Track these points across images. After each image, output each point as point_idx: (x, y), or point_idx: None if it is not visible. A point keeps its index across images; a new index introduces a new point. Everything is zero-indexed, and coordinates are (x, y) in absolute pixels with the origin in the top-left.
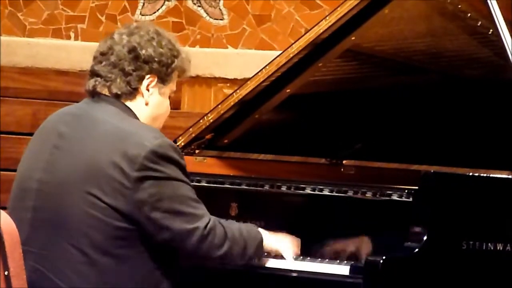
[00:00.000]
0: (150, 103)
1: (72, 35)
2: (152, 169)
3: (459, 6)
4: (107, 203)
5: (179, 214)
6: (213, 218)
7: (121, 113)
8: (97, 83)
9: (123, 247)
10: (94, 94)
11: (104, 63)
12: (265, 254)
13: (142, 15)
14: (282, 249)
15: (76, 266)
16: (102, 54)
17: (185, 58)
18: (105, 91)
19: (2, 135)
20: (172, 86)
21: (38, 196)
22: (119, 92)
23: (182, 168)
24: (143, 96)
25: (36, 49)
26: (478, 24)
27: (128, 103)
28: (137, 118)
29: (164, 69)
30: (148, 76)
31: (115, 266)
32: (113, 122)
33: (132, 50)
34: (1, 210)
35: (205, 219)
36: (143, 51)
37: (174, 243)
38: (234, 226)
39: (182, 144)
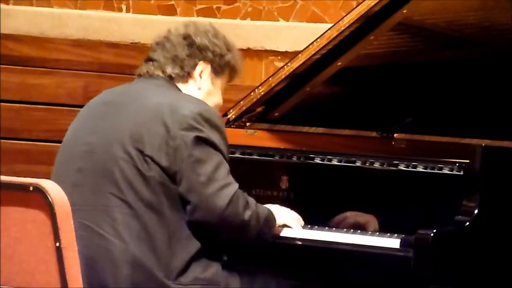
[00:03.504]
0: (203, 88)
1: (124, 7)
2: (197, 129)
3: None
4: (151, 158)
5: (212, 179)
6: (238, 187)
7: (169, 87)
8: (150, 66)
9: (167, 206)
10: (145, 75)
11: (159, 50)
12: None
13: None
14: (291, 223)
15: (122, 217)
16: (158, 43)
17: (238, 56)
18: (159, 73)
19: (53, 107)
20: (224, 80)
21: (85, 158)
22: (172, 74)
23: (223, 135)
24: (195, 81)
25: (87, 22)
26: None
27: (179, 85)
28: None
29: (217, 59)
30: (201, 62)
31: (157, 223)
32: (161, 92)
33: (187, 37)
34: (53, 182)
35: (233, 186)
36: (198, 39)
37: (200, 207)
38: (254, 201)
39: (233, 117)
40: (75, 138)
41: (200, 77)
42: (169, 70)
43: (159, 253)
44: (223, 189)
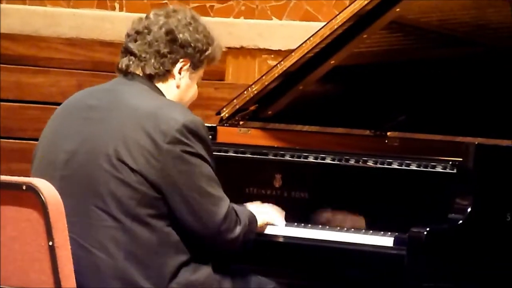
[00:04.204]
0: (181, 86)
1: (117, 6)
2: (183, 143)
3: None
4: (136, 170)
5: (206, 195)
6: (229, 201)
7: (151, 91)
8: (131, 62)
9: (153, 216)
10: (126, 73)
11: (139, 42)
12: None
13: None
14: (275, 221)
15: (107, 231)
16: (138, 32)
17: (217, 47)
18: (138, 71)
19: (46, 106)
20: (201, 73)
21: (67, 166)
22: (152, 73)
23: (209, 148)
24: (174, 79)
25: (81, 20)
26: None
27: (159, 84)
28: None
29: (198, 55)
30: (181, 59)
31: (144, 234)
32: (145, 97)
33: (170, 32)
34: (45, 181)
35: (226, 202)
36: (180, 35)
37: (195, 223)
38: (242, 210)
39: (227, 115)
40: (55, 143)
41: (180, 73)
42: (149, 69)
43: (149, 264)
44: (217, 205)
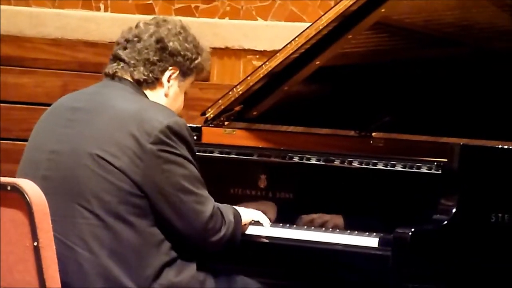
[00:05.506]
0: (170, 94)
1: (102, 6)
2: (166, 143)
3: None
4: (119, 169)
5: (190, 194)
6: (214, 202)
7: (137, 94)
8: (119, 67)
9: (136, 215)
10: (113, 77)
11: (129, 49)
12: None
13: None
14: (259, 219)
15: (90, 229)
16: (127, 41)
17: (206, 57)
18: (127, 76)
19: (32, 106)
20: (189, 82)
21: (50, 165)
22: (141, 79)
23: (192, 149)
24: (163, 87)
25: (65, 21)
26: None
27: (147, 92)
28: None
29: (188, 63)
30: (171, 68)
31: (127, 233)
32: (130, 100)
33: (160, 41)
34: (31, 182)
35: (211, 202)
36: (170, 44)
37: (180, 222)
38: (226, 210)
39: (211, 116)
40: (39, 144)
41: (168, 82)
42: (138, 75)
43: (131, 263)
44: (202, 204)
